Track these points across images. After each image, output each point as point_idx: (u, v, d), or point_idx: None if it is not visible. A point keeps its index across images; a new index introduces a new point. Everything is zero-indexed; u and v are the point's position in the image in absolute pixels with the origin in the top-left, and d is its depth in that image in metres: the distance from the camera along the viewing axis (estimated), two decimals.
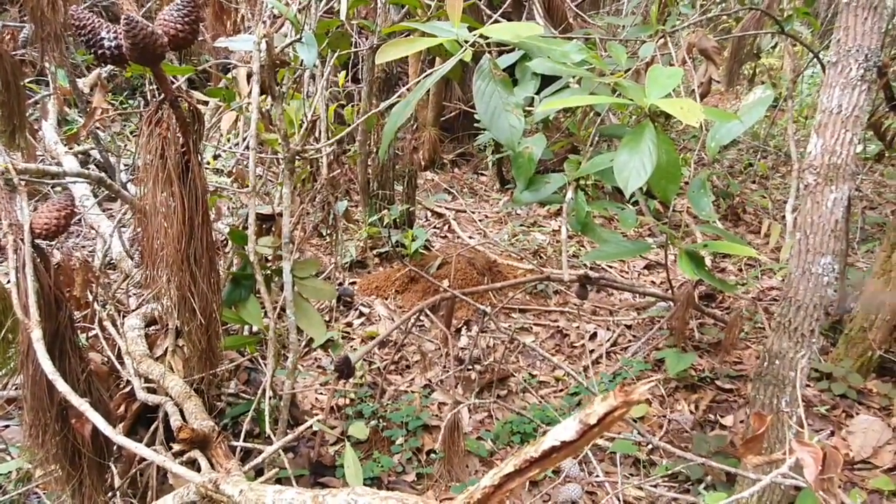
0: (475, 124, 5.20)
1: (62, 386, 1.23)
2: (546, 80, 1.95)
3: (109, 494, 1.71)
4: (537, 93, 1.89)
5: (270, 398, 1.76)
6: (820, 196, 1.76)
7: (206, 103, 2.70)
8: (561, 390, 3.06)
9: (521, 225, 4.79)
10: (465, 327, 3.53)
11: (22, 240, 1.33)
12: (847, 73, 1.70)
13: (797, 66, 4.07)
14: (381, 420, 2.68)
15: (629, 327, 3.53)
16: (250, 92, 1.77)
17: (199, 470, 1.30)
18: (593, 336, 3.44)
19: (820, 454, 0.98)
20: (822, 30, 5.03)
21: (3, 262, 3.08)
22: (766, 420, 1.15)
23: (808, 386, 2.74)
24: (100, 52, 1.25)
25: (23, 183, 1.43)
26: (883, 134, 3.14)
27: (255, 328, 2.27)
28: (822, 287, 1.81)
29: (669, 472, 2.37)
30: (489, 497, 0.68)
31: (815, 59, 3.10)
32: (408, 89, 3.01)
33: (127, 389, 1.95)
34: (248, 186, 1.91)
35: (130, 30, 1.19)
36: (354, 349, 3.28)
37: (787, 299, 1.86)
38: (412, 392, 3.00)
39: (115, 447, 1.64)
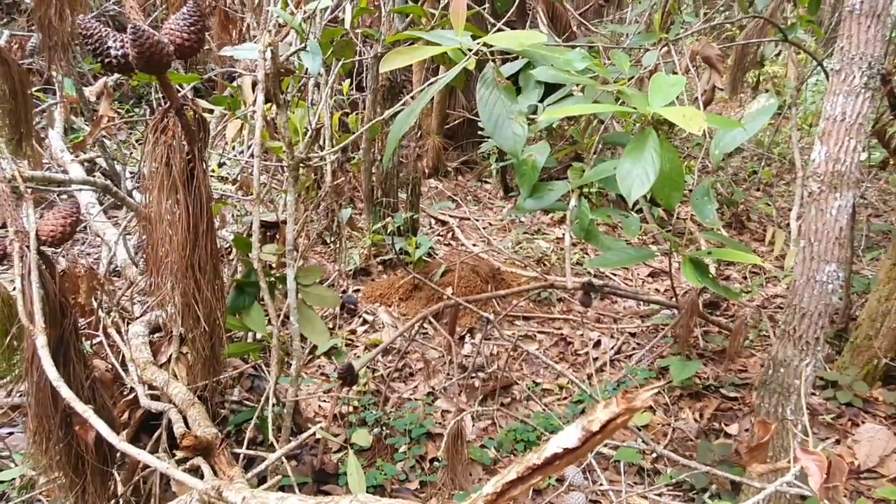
0: (479, 132, 5.21)
1: (66, 392, 1.23)
2: (549, 88, 1.95)
3: (112, 502, 1.71)
4: (541, 101, 1.90)
5: (274, 405, 1.76)
6: (824, 204, 1.76)
7: (211, 111, 2.72)
8: (565, 398, 3.05)
9: (525, 232, 4.79)
10: (468, 335, 3.53)
11: (28, 247, 1.34)
12: (850, 81, 1.71)
13: (801, 74, 4.07)
14: (384, 428, 2.67)
15: (633, 335, 3.52)
16: (255, 100, 1.78)
17: (202, 477, 1.30)
18: (597, 344, 3.44)
19: (825, 462, 0.97)
20: (826, 38, 5.04)
21: (8, 269, 3.09)
22: (770, 428, 1.14)
23: (813, 394, 2.72)
24: (107, 60, 1.26)
25: (29, 190, 1.44)
26: (887, 141, 3.13)
27: (258, 335, 2.27)
28: (826, 295, 1.80)
29: (674, 480, 2.35)
30: None
31: (818, 67, 3.10)
32: (412, 97, 3.02)
33: (131, 396, 1.95)
34: (252, 194, 1.92)
35: (137, 39, 1.20)
36: (358, 357, 3.28)
37: (792, 307, 1.86)
38: (415, 400, 3.00)
39: (118, 454, 1.64)
